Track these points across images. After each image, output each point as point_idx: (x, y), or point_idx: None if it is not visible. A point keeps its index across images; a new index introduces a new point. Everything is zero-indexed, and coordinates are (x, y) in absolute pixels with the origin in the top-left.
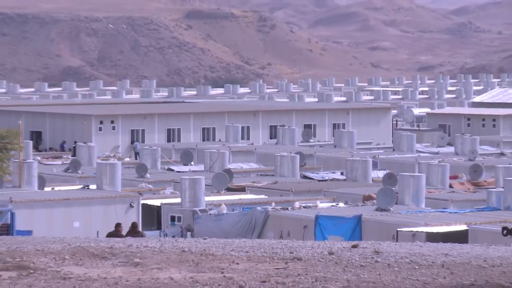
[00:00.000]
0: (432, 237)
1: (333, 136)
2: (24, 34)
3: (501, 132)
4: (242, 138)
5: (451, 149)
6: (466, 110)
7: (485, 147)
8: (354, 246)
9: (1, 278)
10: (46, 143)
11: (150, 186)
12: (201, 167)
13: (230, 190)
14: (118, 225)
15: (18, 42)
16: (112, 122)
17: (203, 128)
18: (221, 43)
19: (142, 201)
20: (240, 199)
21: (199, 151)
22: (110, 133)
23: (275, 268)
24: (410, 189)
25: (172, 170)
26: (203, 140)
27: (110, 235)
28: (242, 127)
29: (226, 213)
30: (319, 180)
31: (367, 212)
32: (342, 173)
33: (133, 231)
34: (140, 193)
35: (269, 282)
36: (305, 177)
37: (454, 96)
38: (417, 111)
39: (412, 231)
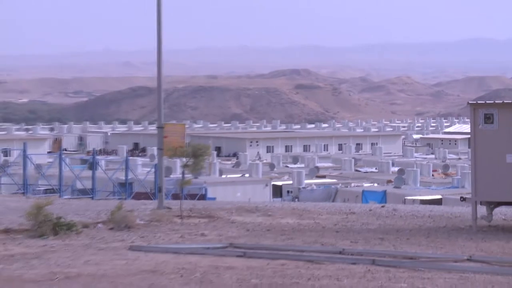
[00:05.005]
0: (423, 202)
1: (371, 149)
2: (211, 96)
3: (459, 147)
4: (324, 150)
5: (433, 156)
6: (441, 136)
7: (451, 155)
8: (383, 206)
9: (200, 222)
10: (223, 152)
11: (276, 174)
12: (302, 165)
13: (318, 177)
14: None
15: (209, 100)
16: (257, 141)
17: (304, 145)
18: (313, 101)
19: (272, 183)
20: (323, 182)
21: (301, 157)
22: (255, 148)
23: (341, 218)
24: (411, 176)
25: (287, 166)
26: (304, 151)
27: None
28: (324, 145)
29: (316, 189)
30: (364, 172)
31: (389, 189)
32: (376, 168)
33: None
34: (271, 178)
35: (338, 224)
36: (357, 170)
37: (434, 128)
38: (415, 136)
39: (413, 198)
